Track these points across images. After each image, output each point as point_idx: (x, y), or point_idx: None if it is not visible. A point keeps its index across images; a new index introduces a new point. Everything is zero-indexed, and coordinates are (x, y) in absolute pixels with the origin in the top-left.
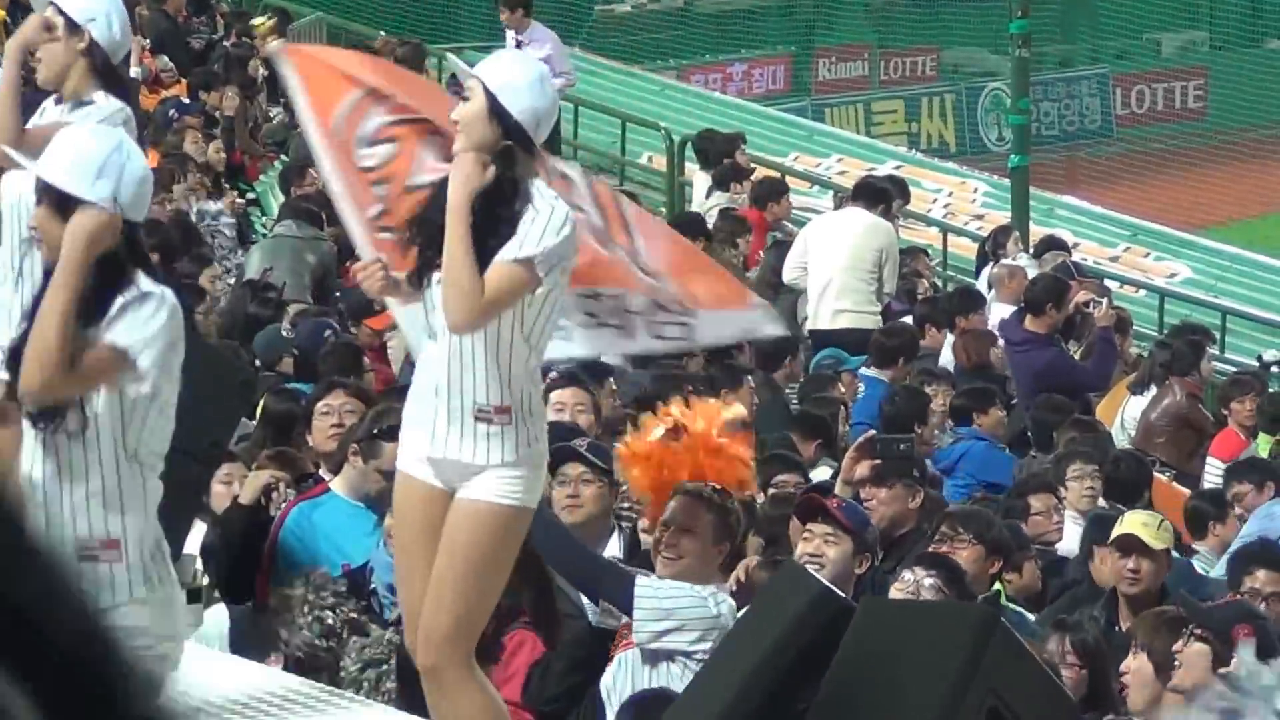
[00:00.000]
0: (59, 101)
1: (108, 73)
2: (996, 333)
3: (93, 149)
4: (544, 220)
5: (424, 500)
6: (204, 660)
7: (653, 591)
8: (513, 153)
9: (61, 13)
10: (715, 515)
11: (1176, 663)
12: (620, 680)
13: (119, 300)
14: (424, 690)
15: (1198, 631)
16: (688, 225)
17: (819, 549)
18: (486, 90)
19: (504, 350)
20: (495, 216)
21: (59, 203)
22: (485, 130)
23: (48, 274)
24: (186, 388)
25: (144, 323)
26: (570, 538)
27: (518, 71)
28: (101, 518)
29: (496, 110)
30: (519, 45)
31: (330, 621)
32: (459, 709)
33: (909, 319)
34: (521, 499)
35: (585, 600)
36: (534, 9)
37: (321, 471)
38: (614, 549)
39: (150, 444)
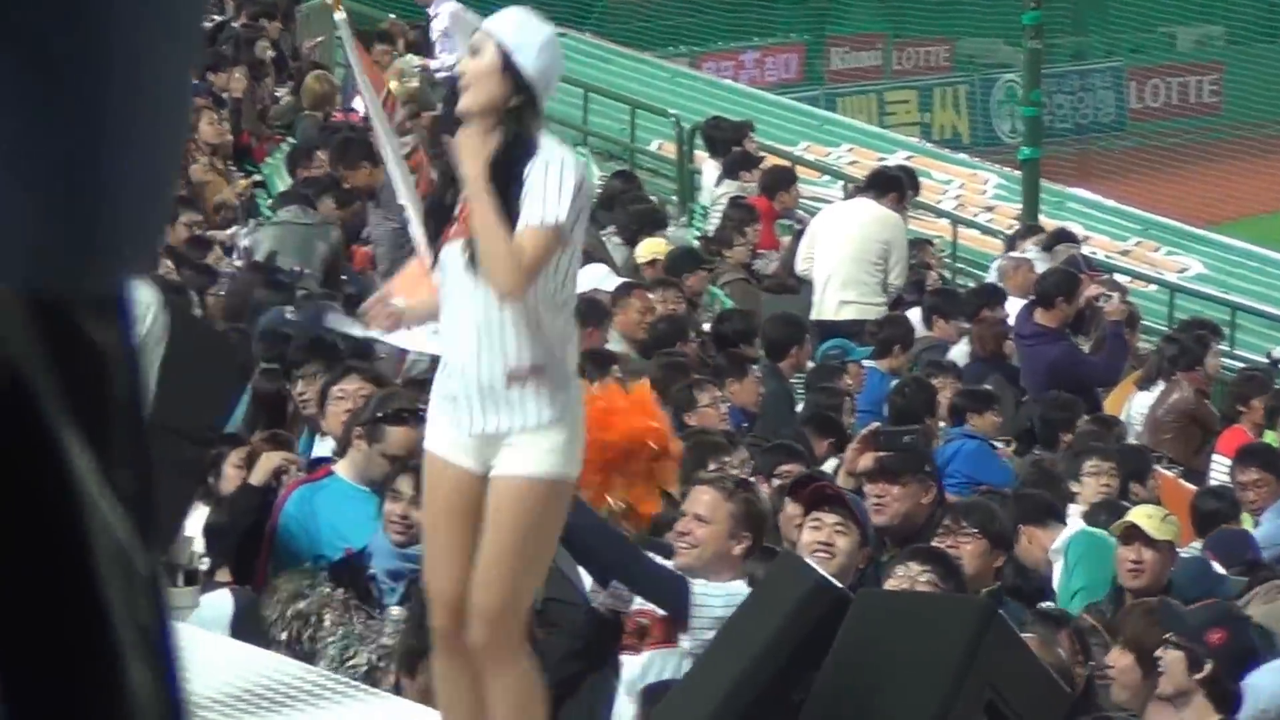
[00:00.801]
0: None
1: None
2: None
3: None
4: (556, 175)
5: (454, 483)
6: (206, 646)
7: (708, 600)
8: (521, 111)
9: None
10: (735, 506)
11: (1160, 668)
12: (653, 678)
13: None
14: (441, 670)
15: (1173, 639)
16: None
17: (830, 538)
18: (500, 47)
19: (531, 310)
20: (506, 178)
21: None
22: (494, 88)
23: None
24: (184, 368)
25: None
26: (616, 534)
27: (531, 29)
28: None
29: (509, 68)
30: (428, 19)
31: (303, 607)
32: (510, 686)
33: (917, 310)
34: (561, 469)
35: (588, 585)
36: None
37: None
38: None
39: None
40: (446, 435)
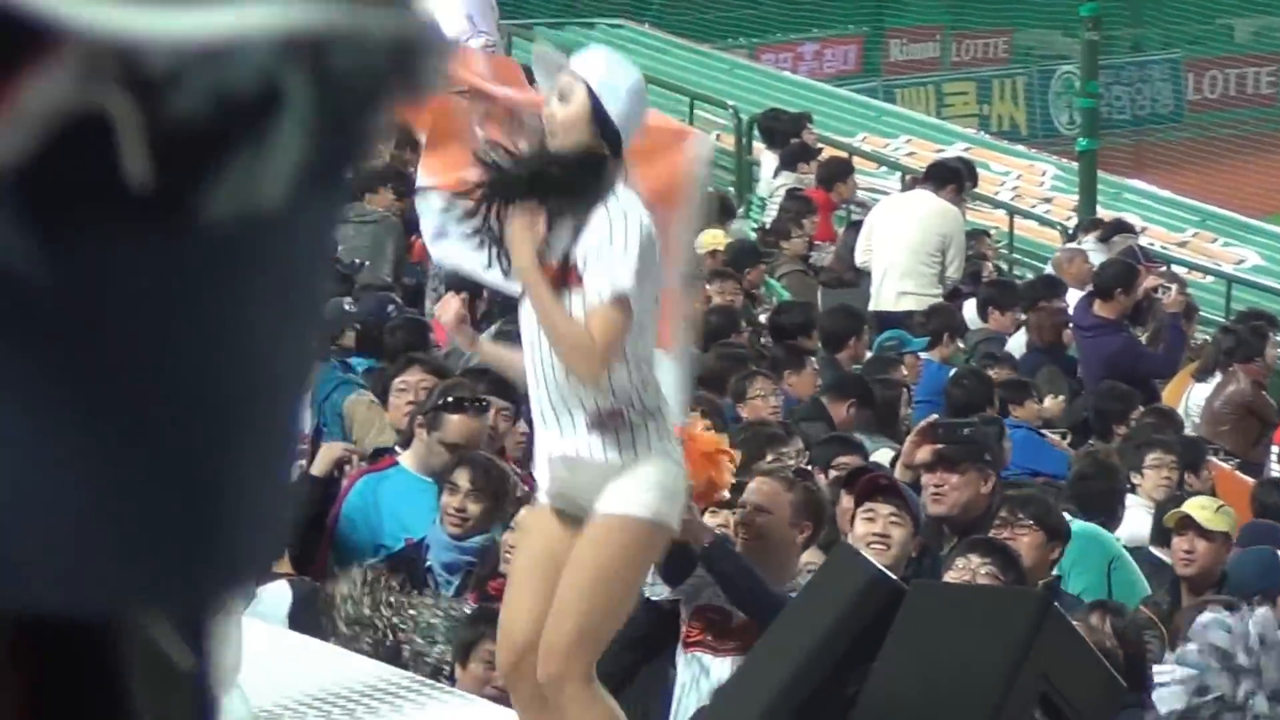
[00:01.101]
0: None
1: None
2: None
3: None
4: (621, 237)
5: (547, 526)
6: (263, 638)
7: None
8: (604, 160)
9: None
10: (795, 495)
11: None
12: None
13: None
14: (517, 701)
15: None
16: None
17: (885, 529)
18: (590, 93)
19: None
20: (575, 222)
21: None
22: (583, 135)
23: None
24: None
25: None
26: (749, 566)
27: (621, 75)
28: None
29: (598, 115)
30: None
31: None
32: None
33: (973, 301)
34: (648, 511)
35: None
36: None
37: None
38: None
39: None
40: (546, 487)
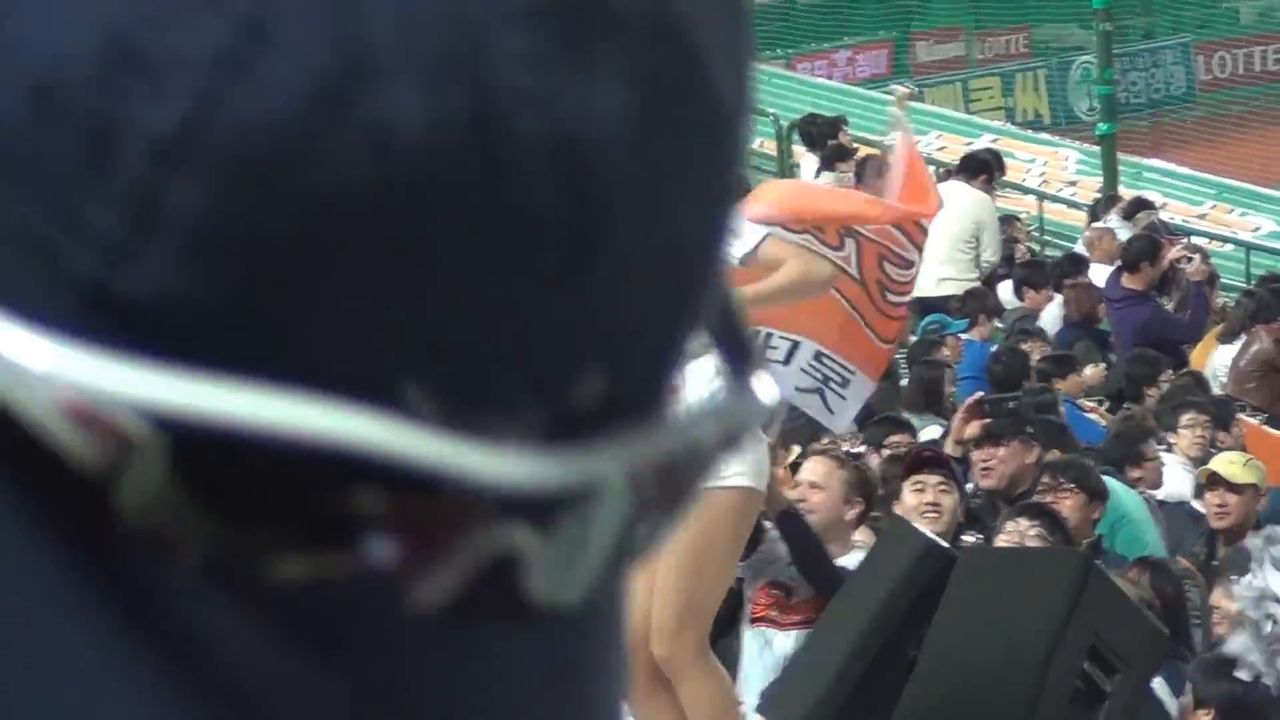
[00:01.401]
0: None
1: None
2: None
3: None
4: None
5: None
6: None
7: None
8: None
9: None
10: (847, 474)
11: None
12: None
13: None
14: (633, 691)
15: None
16: None
17: (936, 498)
18: None
19: None
20: None
21: None
22: None
23: None
24: None
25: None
26: (818, 540)
27: None
28: None
29: None
30: None
31: None
32: (694, 695)
33: (1009, 283)
34: (730, 479)
35: None
36: None
37: None
38: None
39: None
40: None
